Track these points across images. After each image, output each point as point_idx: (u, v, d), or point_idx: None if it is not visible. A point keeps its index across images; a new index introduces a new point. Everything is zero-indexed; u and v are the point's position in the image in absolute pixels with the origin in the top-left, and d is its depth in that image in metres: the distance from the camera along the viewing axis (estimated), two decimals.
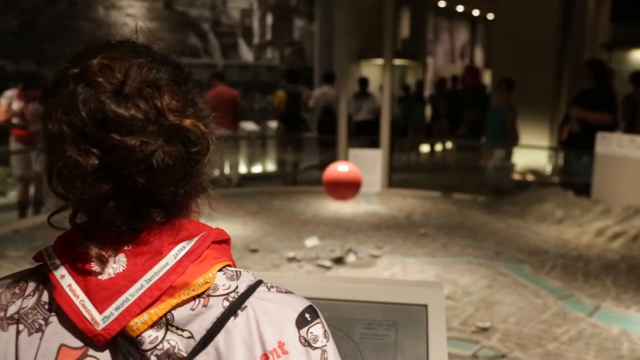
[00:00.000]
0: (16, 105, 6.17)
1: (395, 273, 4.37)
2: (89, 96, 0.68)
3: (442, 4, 18.01)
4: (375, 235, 5.36)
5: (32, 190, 6.40)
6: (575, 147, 6.79)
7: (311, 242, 4.72)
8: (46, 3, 9.47)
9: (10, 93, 6.26)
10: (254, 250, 4.78)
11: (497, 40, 10.55)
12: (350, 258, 4.56)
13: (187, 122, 0.72)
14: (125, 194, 0.70)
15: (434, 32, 19.15)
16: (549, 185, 7.15)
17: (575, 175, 6.98)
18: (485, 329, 3.36)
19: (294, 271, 4.33)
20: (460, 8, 19.45)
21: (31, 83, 6.24)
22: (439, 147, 12.66)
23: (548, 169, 8.83)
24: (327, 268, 4.36)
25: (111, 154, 0.68)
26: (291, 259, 4.53)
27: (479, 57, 22.15)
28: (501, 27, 10.36)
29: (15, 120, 6.20)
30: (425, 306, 1.26)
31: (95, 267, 0.72)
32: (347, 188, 4.59)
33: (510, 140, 7.48)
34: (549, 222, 5.83)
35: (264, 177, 9.37)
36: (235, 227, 5.59)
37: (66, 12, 9.62)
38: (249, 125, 10.28)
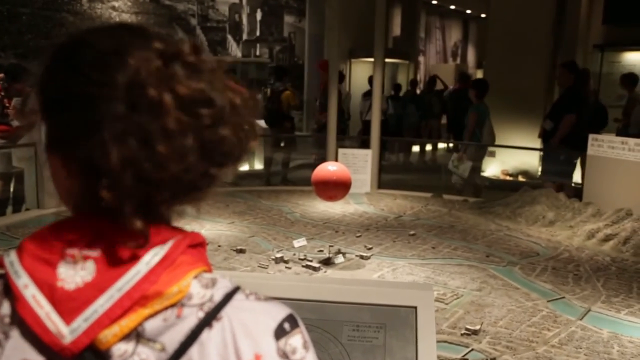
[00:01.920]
0: None
1: (385, 274, 4.30)
2: (190, 75, 0.69)
3: (434, 2, 18.00)
4: (364, 236, 5.29)
5: (12, 187, 6.26)
6: (550, 146, 7.13)
7: (299, 242, 4.64)
8: None
9: None
10: (241, 251, 4.70)
11: (489, 40, 10.52)
12: (339, 259, 4.49)
13: (251, 120, 0.74)
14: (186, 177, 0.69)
15: (425, 30, 19.12)
16: (523, 185, 7.08)
17: (553, 175, 7.29)
18: (475, 332, 3.31)
19: (281, 272, 4.26)
20: (452, 6, 19.44)
21: (15, 76, 6.02)
22: (428, 147, 12.63)
23: (539, 170, 8.82)
24: (315, 269, 4.28)
25: (204, 133, 0.69)
26: (279, 260, 4.45)
27: (471, 57, 22.16)
28: (493, 27, 10.34)
29: None
30: (415, 308, 1.24)
31: (62, 275, 0.66)
32: (336, 188, 4.50)
33: (467, 139, 7.82)
34: (540, 224, 5.78)
35: (252, 175, 9.28)
36: (221, 227, 5.50)
37: (49, 4, 9.45)
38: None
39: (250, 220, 5.79)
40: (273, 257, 4.50)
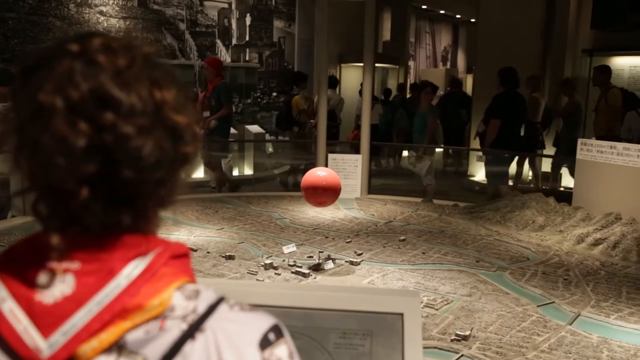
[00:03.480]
0: None
1: (375, 280, 4.28)
2: (89, 74, 0.66)
3: (424, 6, 18.05)
4: (354, 241, 5.27)
5: None
6: (484, 146, 7.59)
7: (289, 248, 4.62)
8: None
9: None
10: (230, 257, 4.66)
11: (479, 44, 10.56)
12: (329, 265, 4.47)
13: (184, 120, 0.71)
14: (104, 183, 0.66)
15: (415, 35, 19.18)
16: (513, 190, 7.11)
17: (492, 177, 7.87)
18: (465, 338, 3.30)
19: (271, 278, 4.23)
20: (442, 11, 19.51)
21: (0, 80, 5.95)
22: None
23: (529, 174, 8.84)
24: (305, 275, 4.26)
25: (102, 135, 0.65)
26: (268, 266, 4.42)
27: (461, 62, 22.25)
28: (483, 32, 10.38)
29: None
30: (401, 315, 1.23)
31: (40, 288, 0.65)
32: (326, 194, 4.48)
33: (427, 140, 8.28)
34: (530, 228, 5.79)
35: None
36: (210, 233, 5.46)
37: (36, 9, 9.35)
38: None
39: (239, 227, 5.75)
40: (262, 264, 4.47)
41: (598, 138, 7.51)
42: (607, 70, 7.96)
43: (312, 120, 8.99)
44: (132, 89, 0.67)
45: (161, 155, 0.68)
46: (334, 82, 9.83)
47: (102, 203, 0.67)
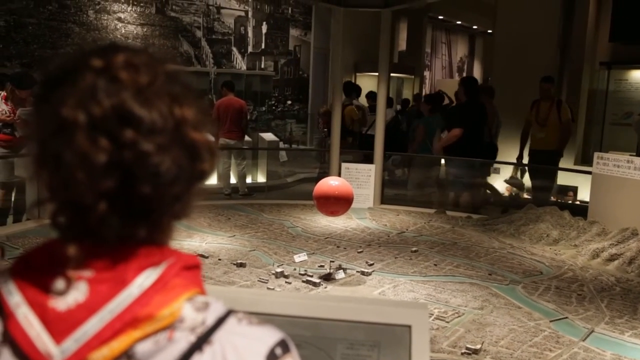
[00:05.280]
0: (3, 108, 5.94)
1: (386, 291, 4.26)
2: (111, 91, 0.67)
3: (440, 17, 18.02)
4: (366, 251, 5.25)
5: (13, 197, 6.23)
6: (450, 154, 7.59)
7: (300, 257, 4.60)
8: (35, 4, 9.31)
9: None
10: (241, 265, 4.66)
11: (495, 55, 10.52)
12: (340, 275, 4.44)
13: (202, 138, 0.72)
14: (122, 198, 0.67)
15: (432, 45, 19.16)
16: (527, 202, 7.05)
17: (451, 185, 8.01)
18: (475, 351, 3.26)
19: (281, 287, 4.21)
20: (459, 21, 19.47)
21: (20, 83, 5.97)
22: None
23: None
24: (316, 284, 4.24)
25: (123, 152, 0.66)
26: (279, 275, 4.41)
27: (477, 72, 22.18)
28: (499, 43, 10.33)
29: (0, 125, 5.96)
30: (409, 327, 1.22)
31: (55, 294, 0.66)
32: (338, 204, 4.47)
33: (413, 150, 8.65)
34: (544, 242, 5.72)
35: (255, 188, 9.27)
36: (222, 240, 5.47)
37: (55, 15, 9.49)
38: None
39: (251, 234, 5.75)
40: (273, 272, 4.46)
41: (543, 153, 7.48)
42: (553, 81, 7.79)
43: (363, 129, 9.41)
44: (153, 107, 0.68)
45: (179, 172, 0.69)
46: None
47: (119, 217, 0.68)
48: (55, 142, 0.67)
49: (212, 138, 0.76)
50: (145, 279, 0.68)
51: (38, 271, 0.69)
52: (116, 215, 0.68)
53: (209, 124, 0.75)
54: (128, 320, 0.65)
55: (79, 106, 0.66)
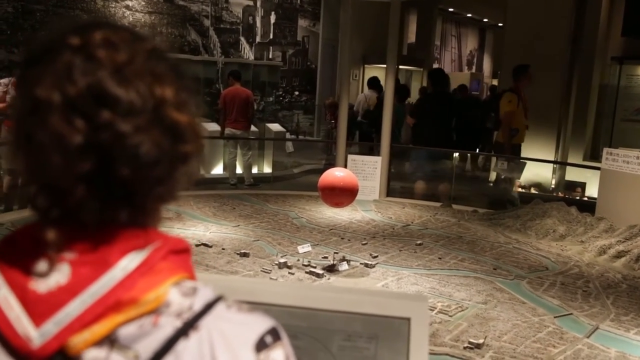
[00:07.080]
0: (13, 95, 5.96)
1: (389, 284, 4.23)
2: (87, 69, 0.64)
3: (450, 9, 17.89)
4: (370, 244, 5.22)
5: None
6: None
7: (304, 248, 4.59)
8: None
9: (5, 81, 6.06)
10: (245, 254, 4.65)
11: (505, 49, 10.41)
12: (343, 266, 4.43)
13: (184, 118, 0.70)
14: (101, 180, 0.65)
15: (441, 38, 19.03)
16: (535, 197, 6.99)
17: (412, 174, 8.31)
18: (478, 346, 3.24)
19: (284, 277, 4.20)
20: (469, 14, 19.32)
21: None
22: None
23: (553, 182, 8.70)
24: (319, 276, 4.22)
25: (99, 133, 0.64)
26: (282, 265, 4.40)
27: (486, 66, 22.03)
28: (510, 36, 10.23)
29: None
30: (408, 319, 1.19)
31: (37, 276, 0.64)
32: (343, 195, 4.44)
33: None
34: (551, 237, 5.68)
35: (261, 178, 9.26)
36: (226, 230, 5.46)
37: (63, 2, 9.48)
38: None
39: (255, 224, 5.74)
40: (277, 262, 4.45)
41: (500, 146, 7.48)
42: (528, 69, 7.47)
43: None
44: (131, 86, 0.65)
45: (159, 154, 0.67)
46: (376, 84, 10.11)
47: (98, 200, 0.66)
48: (29, 123, 0.65)
49: (200, 119, 0.73)
50: (129, 262, 0.66)
51: (21, 252, 0.67)
52: (95, 198, 0.66)
53: (194, 104, 0.72)
54: (111, 304, 0.63)
55: (54, 86, 0.64)
